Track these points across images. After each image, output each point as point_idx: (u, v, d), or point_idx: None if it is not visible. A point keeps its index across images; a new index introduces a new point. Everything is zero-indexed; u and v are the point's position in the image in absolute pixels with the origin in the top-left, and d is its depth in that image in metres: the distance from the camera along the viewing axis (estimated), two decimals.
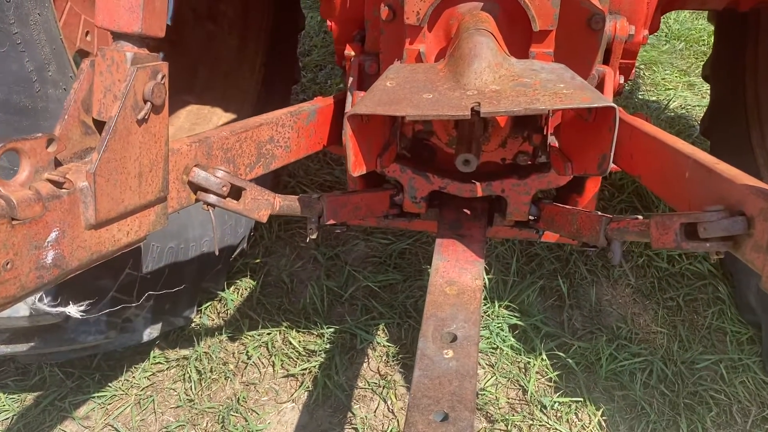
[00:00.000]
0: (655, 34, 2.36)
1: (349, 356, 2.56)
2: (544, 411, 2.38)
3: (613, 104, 1.30)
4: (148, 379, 2.52)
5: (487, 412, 2.37)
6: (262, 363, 2.56)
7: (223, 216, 2.47)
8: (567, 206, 1.83)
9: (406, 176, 1.84)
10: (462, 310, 1.49)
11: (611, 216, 1.57)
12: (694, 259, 2.97)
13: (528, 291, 2.81)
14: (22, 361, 2.45)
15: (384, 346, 2.61)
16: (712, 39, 3.25)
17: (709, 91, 3.33)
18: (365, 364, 2.55)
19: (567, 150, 1.67)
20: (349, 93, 1.88)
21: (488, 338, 2.62)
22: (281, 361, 2.55)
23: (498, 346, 2.60)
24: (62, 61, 1.68)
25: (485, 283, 2.82)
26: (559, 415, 2.37)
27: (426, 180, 1.84)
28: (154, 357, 2.57)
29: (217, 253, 1.50)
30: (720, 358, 2.59)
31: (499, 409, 2.38)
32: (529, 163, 1.84)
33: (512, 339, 2.63)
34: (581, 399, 2.41)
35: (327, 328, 2.65)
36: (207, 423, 2.36)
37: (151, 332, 2.31)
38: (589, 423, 2.35)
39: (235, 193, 1.51)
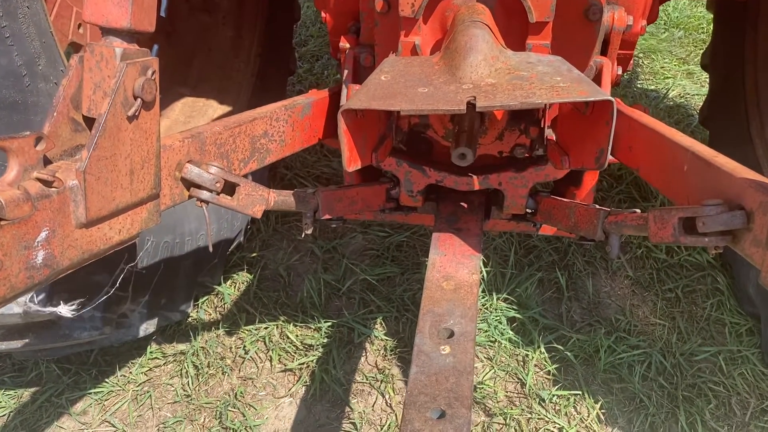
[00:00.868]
0: (654, 22, 2.33)
1: (347, 350, 2.55)
2: (543, 404, 2.37)
3: (610, 98, 1.28)
4: (145, 374, 2.51)
5: (485, 406, 2.36)
6: (260, 358, 2.55)
7: (219, 210, 2.46)
8: (565, 199, 1.81)
9: (403, 170, 1.82)
10: (459, 305, 1.48)
11: (609, 209, 1.56)
12: (693, 251, 2.96)
13: (526, 283, 2.80)
14: (17, 357, 2.44)
15: (382, 339, 2.60)
16: (711, 27, 3.22)
17: (708, 80, 3.30)
18: (363, 358, 2.54)
19: (564, 143, 1.65)
20: (344, 86, 1.86)
21: (486, 331, 2.61)
22: (279, 355, 2.54)
23: (496, 339, 2.60)
24: (53, 55, 1.65)
25: (483, 276, 2.81)
26: (557, 408, 2.37)
27: (422, 173, 1.82)
28: (150, 352, 2.57)
29: (211, 249, 1.49)
30: (719, 349, 2.59)
31: (498, 402, 2.38)
32: (527, 156, 1.82)
33: (510, 332, 2.63)
34: (580, 392, 2.41)
35: (324, 322, 2.65)
36: (204, 418, 2.35)
37: (147, 327, 2.31)
38: (588, 416, 2.35)
39: (229, 188, 1.49)
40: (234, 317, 2.68)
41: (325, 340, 2.59)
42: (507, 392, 2.43)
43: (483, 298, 2.74)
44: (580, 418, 2.34)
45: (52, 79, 1.67)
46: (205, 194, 1.43)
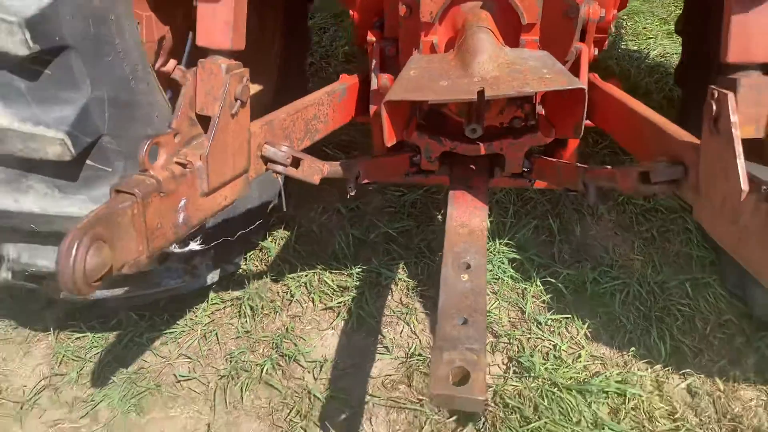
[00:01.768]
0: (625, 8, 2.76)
1: (376, 290, 3.05)
2: (540, 326, 2.88)
3: (583, 86, 1.72)
4: (208, 317, 3.01)
5: (492, 329, 2.87)
6: (304, 299, 3.05)
7: (259, 179, 2.89)
8: (553, 159, 2.27)
9: (423, 140, 2.26)
10: (473, 245, 1.93)
11: (587, 166, 2.02)
12: (668, 196, 3.43)
13: (523, 230, 3.28)
14: (108, 305, 2.92)
15: (404, 281, 3.09)
16: None
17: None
18: (390, 296, 3.04)
19: (550, 117, 2.11)
20: (373, 74, 2.29)
21: (491, 270, 3.10)
22: (319, 297, 3.04)
23: (500, 277, 3.09)
24: (144, 63, 2.08)
25: (487, 225, 3.28)
26: (552, 329, 2.88)
27: (439, 143, 2.26)
28: (211, 299, 3.06)
29: (284, 209, 1.94)
30: (687, 278, 3.08)
31: (502, 326, 2.89)
32: (522, 125, 2.26)
33: (511, 270, 3.12)
34: (570, 316, 2.92)
35: (355, 268, 3.13)
36: (263, 349, 2.86)
37: (213, 277, 2.77)
38: (577, 334, 2.86)
39: (295, 162, 1.94)
40: (279, 267, 3.17)
41: (357, 283, 3.08)
42: (510, 318, 2.94)
43: (488, 243, 3.22)
44: (571, 337, 2.85)
45: (145, 80, 2.09)
46: (279, 167, 1.89)
